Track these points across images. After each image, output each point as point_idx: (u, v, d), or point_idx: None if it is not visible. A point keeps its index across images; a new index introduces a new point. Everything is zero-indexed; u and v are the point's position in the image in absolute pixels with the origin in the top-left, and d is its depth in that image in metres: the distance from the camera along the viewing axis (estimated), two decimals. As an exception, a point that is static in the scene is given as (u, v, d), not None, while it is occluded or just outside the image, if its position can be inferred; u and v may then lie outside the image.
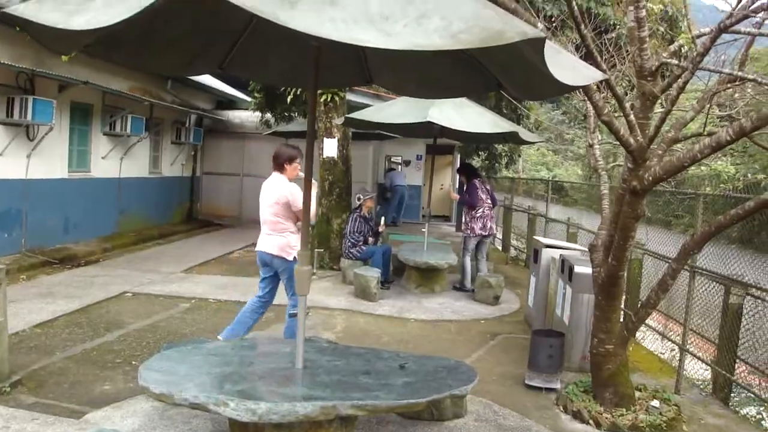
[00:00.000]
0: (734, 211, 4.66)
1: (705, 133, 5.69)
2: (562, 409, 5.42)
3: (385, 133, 10.54)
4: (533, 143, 11.30)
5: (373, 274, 8.69)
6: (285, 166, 6.01)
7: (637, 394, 5.54)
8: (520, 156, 17.61)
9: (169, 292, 8.67)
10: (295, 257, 5.69)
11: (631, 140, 4.60)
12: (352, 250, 9.51)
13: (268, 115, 14.24)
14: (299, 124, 12.85)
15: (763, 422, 6.19)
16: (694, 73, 4.30)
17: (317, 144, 10.60)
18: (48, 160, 10.73)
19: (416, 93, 5.45)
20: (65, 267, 9.99)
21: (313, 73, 3.74)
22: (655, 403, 5.50)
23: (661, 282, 5.27)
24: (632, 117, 4.60)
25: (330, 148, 10.49)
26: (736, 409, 6.09)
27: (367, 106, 10.97)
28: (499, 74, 4.06)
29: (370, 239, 9.62)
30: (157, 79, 14.13)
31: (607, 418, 5.16)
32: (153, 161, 14.73)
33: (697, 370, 7.03)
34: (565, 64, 3.04)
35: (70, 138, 11.39)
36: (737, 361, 6.21)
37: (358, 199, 9.60)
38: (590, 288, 6.26)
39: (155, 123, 14.24)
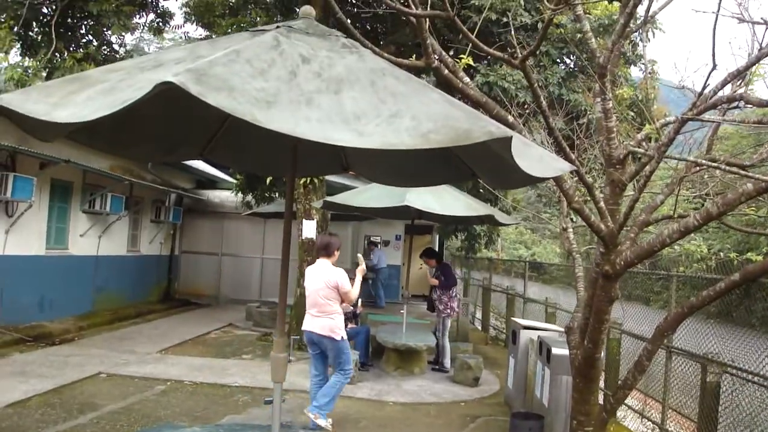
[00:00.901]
0: (706, 293, 4.74)
1: (676, 216, 5.87)
2: (543, 495, 5.36)
3: (363, 215, 10.68)
4: (509, 225, 11.48)
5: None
6: (334, 253, 6.60)
7: (620, 477, 5.52)
8: (498, 236, 17.79)
9: (144, 373, 8.53)
10: (342, 336, 6.47)
11: (602, 226, 4.73)
12: None
13: (249, 197, 14.38)
14: (279, 205, 12.97)
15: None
16: (659, 162, 4.46)
17: (297, 225, 10.70)
18: (26, 237, 10.71)
19: (393, 182, 5.57)
20: (39, 345, 9.83)
21: (291, 165, 3.84)
22: (635, 488, 5.47)
23: (638, 363, 5.30)
24: (602, 204, 4.74)
25: (309, 229, 10.56)
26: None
27: (346, 187, 11.15)
28: (473, 165, 4.20)
29: (350, 323, 9.59)
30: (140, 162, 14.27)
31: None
32: (131, 239, 14.72)
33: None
34: (533, 156, 3.17)
35: (49, 215, 11.41)
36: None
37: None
38: (568, 369, 6.29)
39: (135, 201, 14.31)
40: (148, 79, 2.29)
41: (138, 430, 6.03)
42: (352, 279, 6.63)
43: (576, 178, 4.95)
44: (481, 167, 4.15)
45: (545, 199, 15.55)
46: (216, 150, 4.65)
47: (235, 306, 15.82)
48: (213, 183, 17.77)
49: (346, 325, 9.27)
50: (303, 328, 6.54)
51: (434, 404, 7.94)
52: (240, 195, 14.49)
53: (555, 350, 6.44)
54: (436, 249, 17.95)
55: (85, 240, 12.55)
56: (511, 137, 2.61)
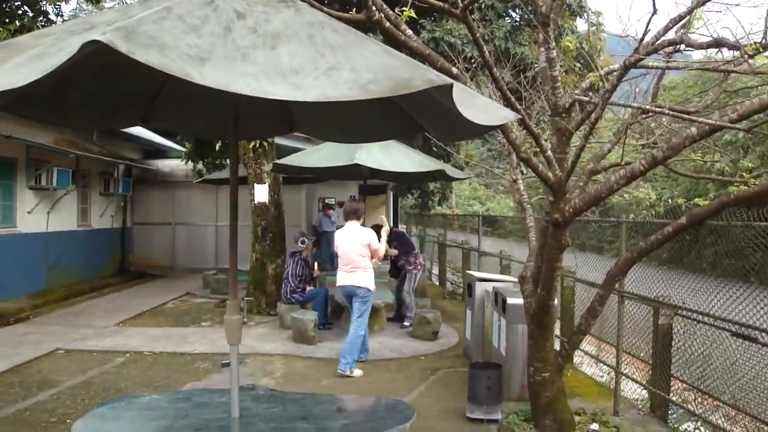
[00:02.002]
0: (654, 237, 4.88)
1: (623, 163, 5.98)
2: (504, 439, 5.51)
3: (315, 177, 10.63)
4: (462, 179, 11.55)
5: (310, 317, 8.66)
6: (361, 216, 7.65)
7: (577, 418, 5.67)
8: (452, 192, 17.90)
9: (102, 347, 8.45)
10: (372, 290, 7.47)
11: (550, 175, 4.79)
12: (294, 295, 9.44)
13: (200, 165, 14.17)
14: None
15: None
16: (604, 109, 4.52)
17: (249, 190, 10.60)
18: (-30, 218, 10.40)
19: (340, 139, 5.56)
20: (-7, 327, 9.64)
21: (233, 126, 3.78)
22: (595, 426, 5.63)
23: (590, 308, 5.44)
24: (549, 153, 4.80)
25: (261, 193, 10.49)
26: (675, 426, 6.28)
27: (297, 149, 11.04)
28: (419, 118, 4.18)
29: (307, 285, 9.61)
30: (82, 131, 13.89)
31: (546, 446, 5.27)
32: (81, 214, 14.39)
33: (635, 391, 7.22)
34: (478, 106, 3.18)
35: (-6, 194, 11.07)
36: (672, 379, 6.41)
37: (302, 242, 9.56)
38: (524, 318, 6.43)
39: (82, 175, 13.99)
40: (78, 42, 2.21)
41: (99, 403, 5.99)
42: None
43: (523, 129, 4.97)
44: (427, 120, 4.14)
45: (496, 153, 15.67)
46: (158, 115, 4.53)
47: (192, 275, 15.71)
48: (162, 152, 17.40)
49: (304, 289, 9.33)
50: (339, 284, 7.51)
51: (394, 360, 8.04)
52: (190, 163, 14.27)
53: (510, 300, 6.56)
54: (391, 208, 18.02)
55: (33, 217, 12.24)
56: (452, 84, 2.61)
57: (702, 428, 6.66)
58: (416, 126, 4.35)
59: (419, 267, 10.15)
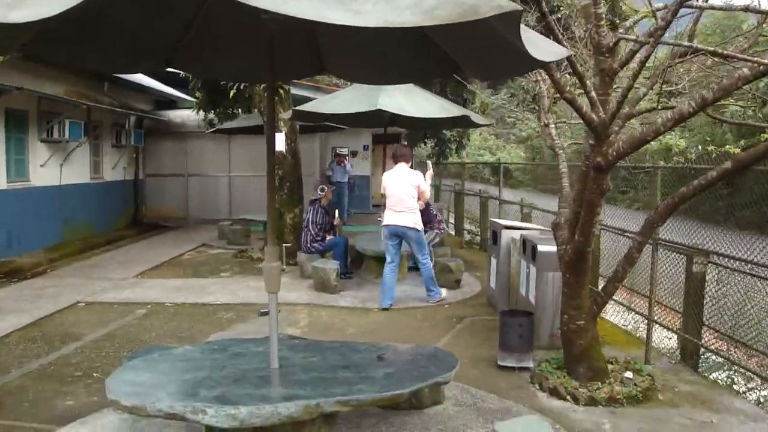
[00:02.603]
0: (697, 182, 4.70)
1: (659, 107, 5.76)
2: (538, 387, 5.43)
3: (332, 124, 10.41)
4: (482, 126, 11.29)
5: (332, 266, 8.57)
6: (410, 159, 8.02)
7: (609, 367, 5.59)
8: (468, 140, 17.61)
9: (122, 299, 8.39)
10: (422, 228, 7.86)
11: (594, 117, 4.59)
12: (314, 244, 9.33)
13: (211, 114, 13.92)
14: (243, 120, 12.59)
15: (734, 386, 6.31)
16: (655, 47, 4.29)
17: (263, 140, 10.40)
18: (-17, 171, 10.25)
19: (370, 79, 5.35)
20: (11, 281, 9.58)
21: (270, 65, 3.59)
22: (629, 374, 5.56)
23: (628, 255, 5.31)
24: (593, 94, 4.58)
25: (278, 142, 10.29)
26: (706, 374, 6.20)
27: (309, 99, 10.83)
28: (460, 55, 3.97)
29: (327, 234, 9.50)
30: (93, 82, 13.64)
31: (583, 392, 5.18)
32: (94, 166, 14.25)
33: (663, 340, 7.14)
34: (532, 41, 2.98)
35: (7, 147, 10.88)
36: (703, 327, 6.32)
37: (322, 190, 9.41)
38: (554, 266, 6.30)
39: (94, 127, 13.79)
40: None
41: (130, 356, 5.94)
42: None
43: (567, 68, 4.75)
44: (466, 57, 3.93)
45: (517, 99, 15.32)
46: (184, 57, 4.36)
47: (205, 226, 15.64)
48: (172, 103, 17.11)
49: (323, 238, 9.21)
50: (386, 223, 7.77)
51: (419, 308, 7.96)
52: (201, 113, 14.02)
53: (541, 247, 6.42)
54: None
55: (46, 170, 12.09)
56: (521, 11, 2.42)
57: (735, 377, 6.61)
58: (452, 65, 4.15)
59: (442, 230, 10.27)
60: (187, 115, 16.15)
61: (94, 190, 14.16)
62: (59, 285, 9.24)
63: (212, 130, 13.78)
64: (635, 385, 5.33)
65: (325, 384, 3.51)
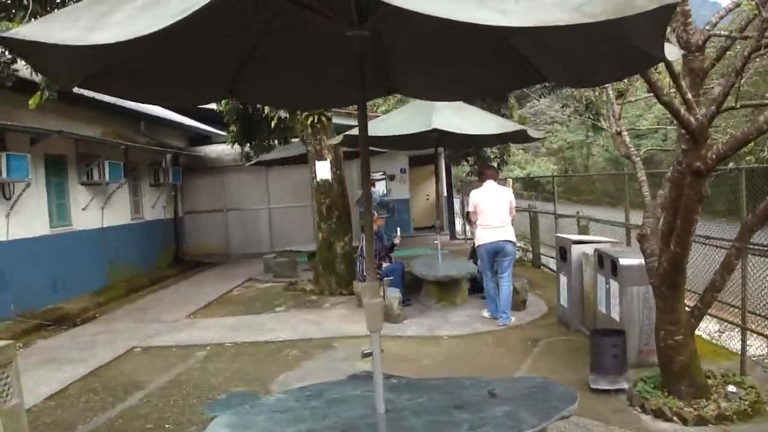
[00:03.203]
0: None
1: (738, 106, 5.44)
2: (639, 409, 5.11)
3: (376, 149, 10.19)
4: (538, 139, 10.88)
5: (394, 294, 8.27)
6: (497, 177, 8.15)
7: (709, 381, 5.24)
8: (510, 156, 17.29)
9: (179, 341, 8.15)
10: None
11: (692, 119, 4.28)
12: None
13: (247, 147, 13.78)
14: (283, 150, 12.43)
15: None
16: (761, 41, 3.98)
17: (309, 168, 10.23)
18: (28, 218, 10.15)
19: (445, 96, 5.07)
20: (61, 328, 9.39)
21: (360, 83, 3.32)
22: (731, 388, 5.21)
23: (725, 263, 4.97)
24: (689, 95, 4.28)
25: (323, 170, 10.09)
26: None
27: (346, 126, 10.62)
28: (543, 62, 3.66)
29: (383, 262, 9.23)
30: (129, 122, 13.63)
31: (689, 411, 4.87)
32: (134, 206, 14.17)
33: (752, 348, 6.74)
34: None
35: (48, 192, 10.81)
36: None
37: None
38: (638, 280, 5.98)
39: (132, 167, 13.72)
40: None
41: (196, 402, 5.69)
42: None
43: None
44: (553, 62, 3.62)
45: (568, 109, 14.94)
46: (243, 85, 4.10)
47: (248, 260, 15.42)
48: (207, 138, 17.06)
49: (380, 266, 8.94)
50: (490, 240, 7.75)
51: (489, 332, 7.63)
52: (237, 147, 13.89)
53: (623, 261, 6.08)
54: (443, 178, 17.51)
55: (88, 213, 12.00)
56: (676, 4, 2.14)
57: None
58: (537, 75, 3.85)
59: None
60: (222, 150, 16.07)
61: (136, 231, 14.05)
62: (111, 330, 9.04)
63: (253, 162, 13.63)
64: (741, 399, 5.00)
65: (444, 428, 3.20)
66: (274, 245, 15.98)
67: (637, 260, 6.07)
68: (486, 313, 8.22)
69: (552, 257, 11.01)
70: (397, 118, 8.08)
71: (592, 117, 8.92)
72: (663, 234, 5.05)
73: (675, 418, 4.85)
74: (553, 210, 11.91)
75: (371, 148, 9.80)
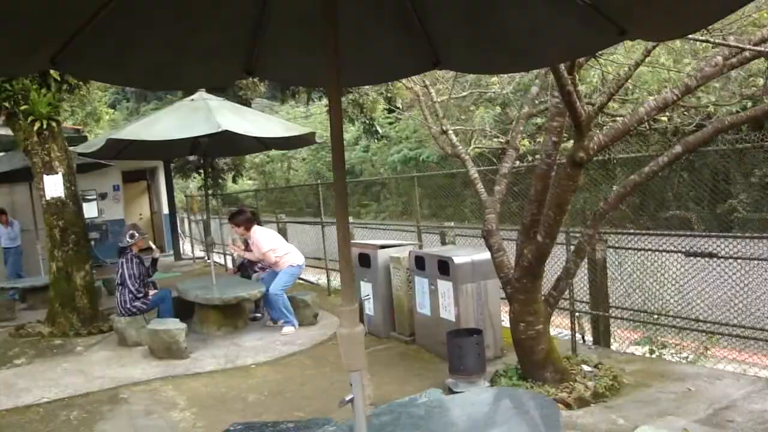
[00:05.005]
0: (648, 168, 4.72)
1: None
2: (512, 405, 5.03)
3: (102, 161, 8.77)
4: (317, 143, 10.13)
5: (177, 326, 7.11)
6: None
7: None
8: (244, 166, 16.41)
9: None
10: None
11: (582, 111, 4.33)
12: (135, 303, 7.66)
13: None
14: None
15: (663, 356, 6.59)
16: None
17: (36, 184, 8.50)
18: None
19: (503, 67, 3.77)
20: None
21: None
22: (586, 367, 5.49)
23: (578, 250, 5.17)
24: (577, 88, 4.32)
25: (54, 186, 8.41)
26: (626, 351, 6.45)
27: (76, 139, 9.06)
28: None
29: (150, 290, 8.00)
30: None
31: (566, 396, 5.00)
32: None
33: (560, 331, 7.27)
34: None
35: None
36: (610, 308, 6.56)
37: (132, 236, 7.76)
38: (471, 277, 6.00)
39: None
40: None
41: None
42: None
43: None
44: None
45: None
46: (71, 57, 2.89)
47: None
48: None
49: (146, 294, 7.76)
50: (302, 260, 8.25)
51: (299, 353, 7.01)
52: None
53: (457, 260, 6.02)
54: (165, 193, 16.10)
55: None
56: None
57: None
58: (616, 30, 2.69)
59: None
60: None
61: None
62: None
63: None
64: (601, 376, 5.27)
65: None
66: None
67: (469, 258, 6.08)
68: (287, 329, 7.80)
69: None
70: (170, 120, 6.99)
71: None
72: (525, 227, 5.07)
73: (559, 405, 4.88)
74: (320, 219, 11.13)
75: (119, 155, 8.47)
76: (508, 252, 5.48)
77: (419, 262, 6.53)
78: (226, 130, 6.58)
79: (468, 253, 6.21)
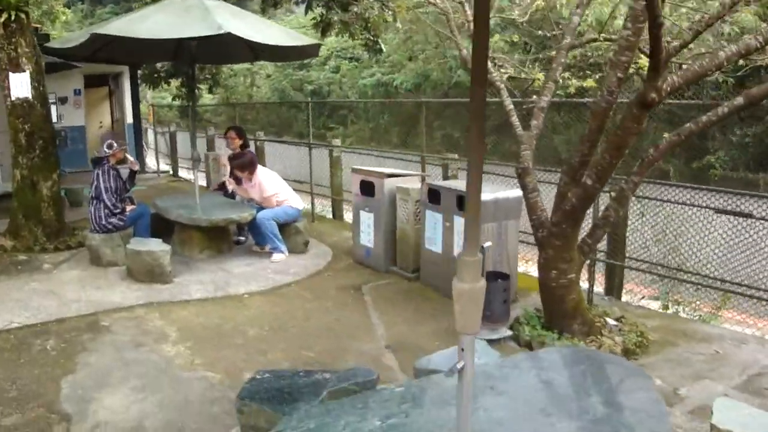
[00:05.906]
0: (706, 117, 4.36)
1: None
2: (545, 356, 4.76)
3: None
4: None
5: (161, 247, 6.56)
6: None
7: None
8: (223, 77, 15.32)
9: None
10: None
11: (663, 46, 3.87)
12: (111, 220, 6.98)
13: None
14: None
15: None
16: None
17: (-1, 84, 7.65)
18: None
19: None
20: None
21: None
22: (612, 321, 5.24)
23: (619, 197, 4.79)
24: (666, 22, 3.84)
25: (21, 86, 7.57)
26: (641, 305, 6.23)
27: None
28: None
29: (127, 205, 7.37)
30: None
31: (596, 348, 4.72)
32: None
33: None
34: None
35: None
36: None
37: (110, 146, 7.03)
38: (493, 216, 5.62)
39: None
40: None
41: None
42: None
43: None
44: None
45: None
46: None
47: None
48: None
49: (123, 210, 7.17)
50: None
51: (294, 283, 6.56)
52: None
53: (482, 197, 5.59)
54: (129, 101, 15.09)
55: None
56: None
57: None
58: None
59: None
60: None
61: None
62: None
63: None
64: (629, 331, 5.04)
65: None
66: None
67: (492, 195, 5.67)
68: (277, 256, 7.32)
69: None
70: (160, 18, 6.18)
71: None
72: (572, 168, 4.65)
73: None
74: (308, 141, 10.43)
75: (94, 56, 7.65)
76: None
77: (433, 196, 6.08)
78: (224, 34, 5.85)
79: (492, 190, 5.79)
